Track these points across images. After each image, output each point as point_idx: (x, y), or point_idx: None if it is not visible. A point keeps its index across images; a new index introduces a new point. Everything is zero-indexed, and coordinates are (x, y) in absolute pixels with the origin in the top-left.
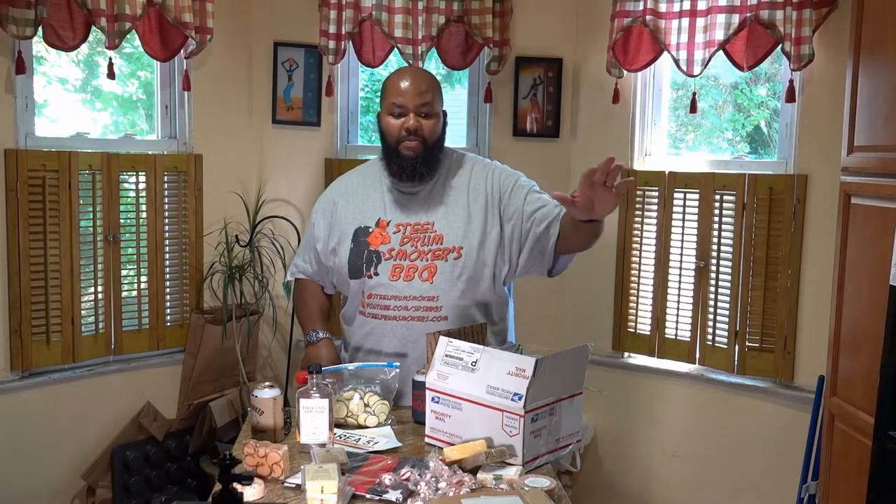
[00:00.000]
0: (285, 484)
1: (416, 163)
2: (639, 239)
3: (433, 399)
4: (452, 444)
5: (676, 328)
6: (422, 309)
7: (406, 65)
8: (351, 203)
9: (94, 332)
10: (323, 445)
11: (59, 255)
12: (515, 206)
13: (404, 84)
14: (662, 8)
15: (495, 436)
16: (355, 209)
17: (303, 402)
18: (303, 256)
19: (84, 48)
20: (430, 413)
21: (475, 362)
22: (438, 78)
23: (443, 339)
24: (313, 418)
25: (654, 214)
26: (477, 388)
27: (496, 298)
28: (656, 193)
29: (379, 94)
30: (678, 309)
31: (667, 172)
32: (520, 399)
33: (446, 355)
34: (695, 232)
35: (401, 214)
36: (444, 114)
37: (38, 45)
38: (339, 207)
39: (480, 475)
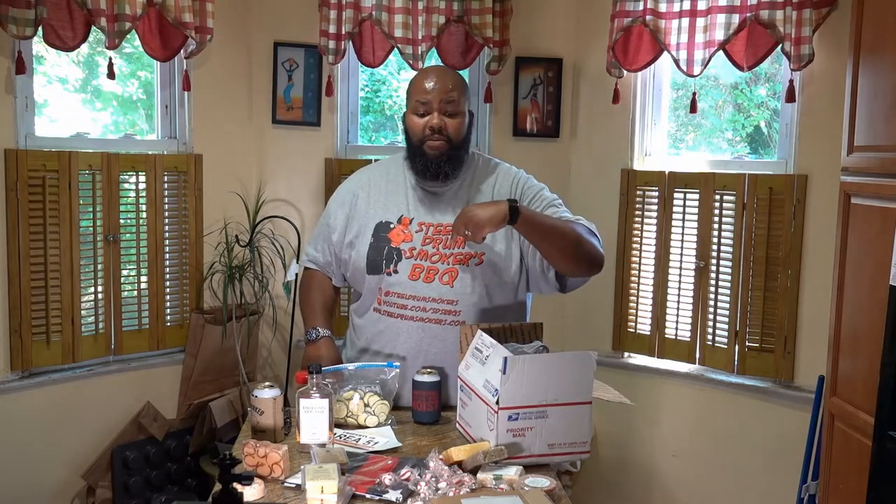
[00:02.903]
0: (285, 484)
1: (441, 161)
2: (639, 239)
3: (460, 387)
4: (468, 431)
5: (676, 328)
6: (440, 312)
7: (408, 65)
8: (373, 196)
9: (94, 332)
10: (323, 445)
11: (59, 255)
12: None
13: (429, 83)
14: (662, 8)
15: (483, 428)
16: (377, 203)
17: (303, 402)
18: (314, 245)
19: (84, 48)
20: (459, 400)
21: (487, 357)
22: None
23: (479, 332)
24: (313, 418)
25: (654, 214)
26: (479, 382)
27: (515, 305)
28: (656, 193)
29: (377, 93)
30: (678, 309)
31: (667, 172)
32: (496, 394)
33: (475, 347)
34: (695, 232)
35: (424, 213)
36: (471, 114)
37: (38, 45)
38: (360, 200)
39: (480, 475)
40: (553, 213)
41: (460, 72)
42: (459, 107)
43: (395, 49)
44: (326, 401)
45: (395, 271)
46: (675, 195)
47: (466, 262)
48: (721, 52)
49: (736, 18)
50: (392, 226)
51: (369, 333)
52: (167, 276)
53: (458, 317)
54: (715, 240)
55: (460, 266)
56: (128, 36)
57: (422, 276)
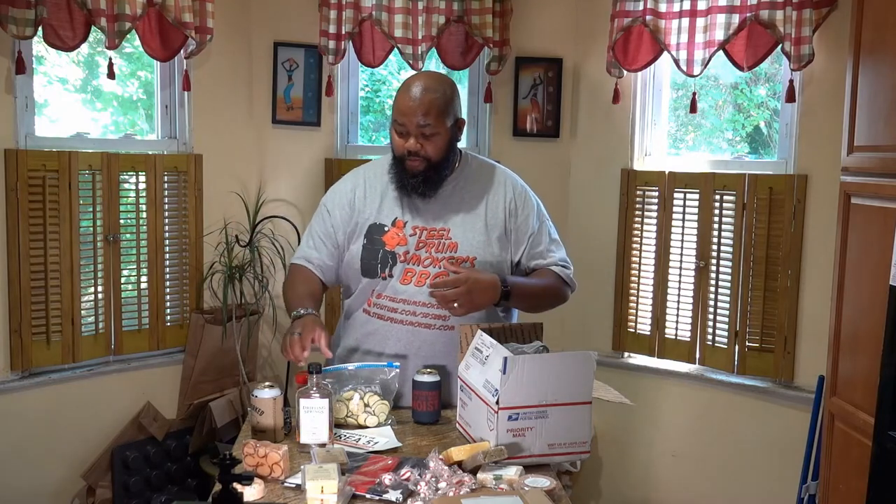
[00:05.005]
0: (285, 484)
1: (417, 181)
2: (639, 239)
3: (460, 387)
4: (468, 431)
5: (676, 328)
6: (430, 316)
7: (408, 65)
8: (368, 196)
9: (94, 332)
10: (323, 445)
11: (59, 255)
12: (520, 242)
13: (407, 102)
14: (662, 8)
15: (483, 428)
16: (372, 204)
17: (303, 402)
18: (311, 243)
19: (84, 48)
20: (459, 400)
21: (487, 357)
22: None
23: (479, 332)
24: (313, 418)
25: (654, 214)
26: (479, 382)
27: (505, 311)
28: (656, 193)
29: (377, 93)
30: (678, 309)
31: (667, 172)
32: (496, 394)
33: (475, 347)
34: (695, 232)
35: (417, 217)
36: (460, 122)
37: (38, 45)
38: (357, 199)
39: (480, 475)
40: (539, 244)
41: (460, 72)
42: (437, 128)
43: (395, 49)
44: (326, 401)
45: (391, 275)
46: (675, 195)
47: (458, 266)
48: (721, 52)
49: (736, 18)
50: (386, 229)
51: (358, 333)
52: (167, 276)
53: (447, 321)
54: (715, 240)
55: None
56: (128, 36)
57: (413, 279)
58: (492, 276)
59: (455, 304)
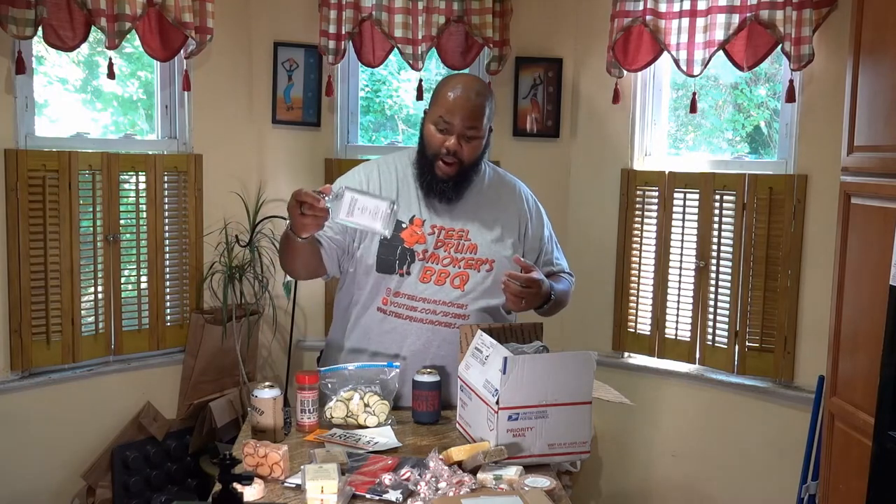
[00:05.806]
0: (285, 484)
1: (446, 186)
2: (639, 239)
3: (460, 387)
4: (468, 431)
5: (676, 328)
6: (450, 315)
7: (408, 65)
8: (383, 191)
9: (94, 332)
10: (393, 217)
11: (59, 255)
12: (535, 249)
13: (458, 101)
14: (662, 8)
15: (483, 428)
16: None
17: (342, 216)
18: None
19: (84, 48)
20: (459, 400)
21: (487, 357)
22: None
23: (479, 332)
24: (361, 208)
25: (654, 214)
26: (479, 382)
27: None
28: (656, 193)
29: (377, 93)
30: (678, 309)
31: (667, 172)
32: (496, 394)
33: (475, 347)
34: (695, 232)
35: (435, 216)
36: (490, 129)
37: (38, 45)
38: (370, 191)
39: (480, 475)
40: (551, 251)
41: (462, 71)
42: (480, 132)
43: (395, 49)
44: (353, 193)
45: (409, 273)
46: (675, 195)
47: (478, 268)
48: (721, 52)
49: (736, 18)
50: (404, 225)
51: (373, 333)
52: (167, 276)
53: (467, 320)
54: (715, 240)
55: (472, 271)
56: (128, 36)
57: (433, 278)
58: (546, 282)
59: (523, 301)
